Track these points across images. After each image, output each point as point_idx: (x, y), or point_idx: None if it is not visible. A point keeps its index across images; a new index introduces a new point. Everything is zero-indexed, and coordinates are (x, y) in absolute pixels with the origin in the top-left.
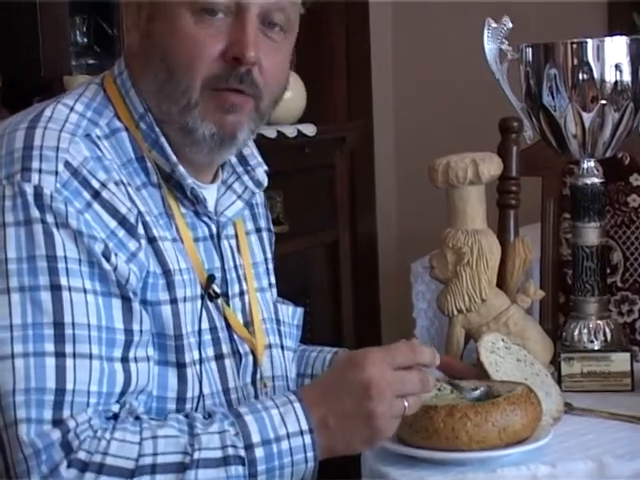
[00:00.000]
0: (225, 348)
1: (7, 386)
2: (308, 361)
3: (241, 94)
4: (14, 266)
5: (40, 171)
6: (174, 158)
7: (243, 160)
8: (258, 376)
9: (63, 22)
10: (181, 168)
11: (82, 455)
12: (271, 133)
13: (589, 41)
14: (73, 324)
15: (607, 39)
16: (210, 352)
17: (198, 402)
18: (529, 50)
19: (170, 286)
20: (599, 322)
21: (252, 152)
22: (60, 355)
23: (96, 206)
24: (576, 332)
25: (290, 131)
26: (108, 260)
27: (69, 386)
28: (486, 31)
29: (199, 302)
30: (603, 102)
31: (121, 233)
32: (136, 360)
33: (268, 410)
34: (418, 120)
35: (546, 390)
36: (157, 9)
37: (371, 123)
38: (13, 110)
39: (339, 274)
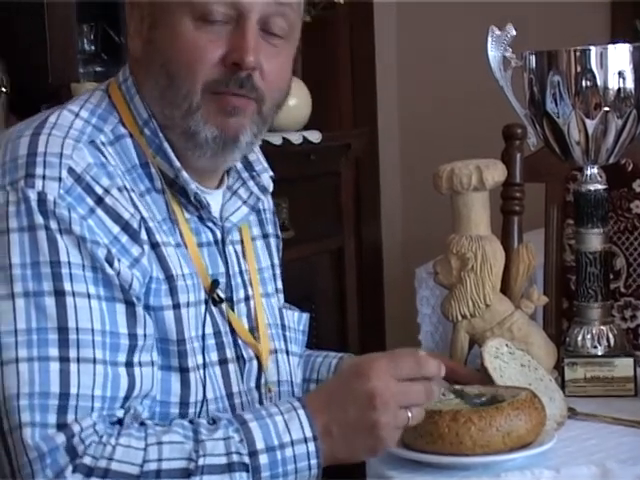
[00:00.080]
0: (229, 353)
1: (12, 390)
2: (314, 366)
3: (242, 97)
4: (18, 271)
5: (44, 177)
6: (177, 163)
7: (249, 166)
8: (262, 381)
9: (71, 30)
10: (185, 173)
11: (87, 460)
12: (277, 140)
13: (592, 48)
14: (77, 329)
15: (610, 46)
16: (214, 357)
17: (202, 406)
18: (532, 57)
19: (173, 291)
20: (602, 327)
21: (258, 158)
22: (64, 360)
23: (99, 212)
24: (579, 337)
25: (295, 138)
26: (111, 265)
27: (73, 390)
28: (490, 39)
29: (203, 307)
30: (606, 109)
31: (124, 239)
32: (140, 365)
33: (272, 417)
34: (423, 127)
35: (550, 395)
36: (158, 16)
37: (376, 130)
38: (21, 117)
39: (344, 280)
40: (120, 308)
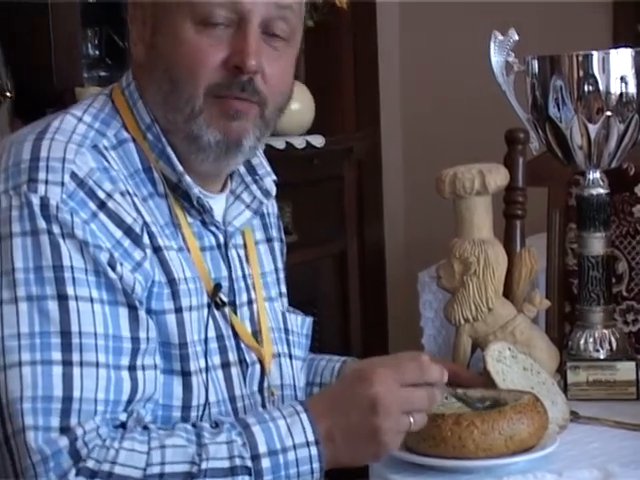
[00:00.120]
0: (231, 356)
1: (15, 394)
2: (317, 370)
3: (245, 101)
4: (21, 276)
5: (46, 182)
6: (180, 168)
7: (252, 170)
8: (265, 385)
9: (75, 34)
10: (187, 178)
11: (91, 464)
12: (280, 144)
13: (594, 53)
14: (80, 333)
15: (612, 51)
16: (216, 360)
17: (204, 410)
18: (535, 62)
19: (175, 295)
20: (605, 331)
21: (261, 162)
22: (67, 363)
23: (102, 216)
24: (582, 341)
25: (299, 142)
26: (114, 269)
27: (76, 394)
28: (492, 44)
29: (205, 310)
30: (608, 114)
31: (126, 243)
32: (143, 368)
33: (275, 420)
34: (425, 131)
35: (552, 399)
36: (160, 22)
37: (379, 133)
38: (26, 121)
39: (347, 284)
40: (123, 312)
